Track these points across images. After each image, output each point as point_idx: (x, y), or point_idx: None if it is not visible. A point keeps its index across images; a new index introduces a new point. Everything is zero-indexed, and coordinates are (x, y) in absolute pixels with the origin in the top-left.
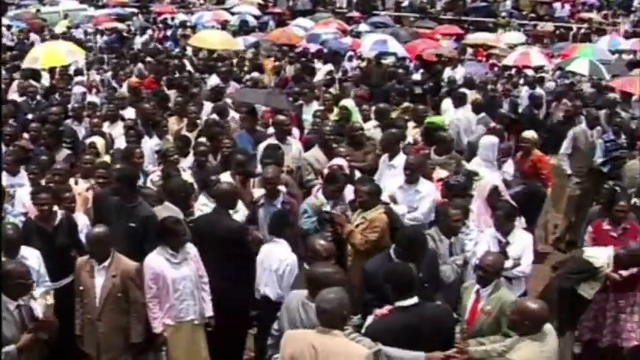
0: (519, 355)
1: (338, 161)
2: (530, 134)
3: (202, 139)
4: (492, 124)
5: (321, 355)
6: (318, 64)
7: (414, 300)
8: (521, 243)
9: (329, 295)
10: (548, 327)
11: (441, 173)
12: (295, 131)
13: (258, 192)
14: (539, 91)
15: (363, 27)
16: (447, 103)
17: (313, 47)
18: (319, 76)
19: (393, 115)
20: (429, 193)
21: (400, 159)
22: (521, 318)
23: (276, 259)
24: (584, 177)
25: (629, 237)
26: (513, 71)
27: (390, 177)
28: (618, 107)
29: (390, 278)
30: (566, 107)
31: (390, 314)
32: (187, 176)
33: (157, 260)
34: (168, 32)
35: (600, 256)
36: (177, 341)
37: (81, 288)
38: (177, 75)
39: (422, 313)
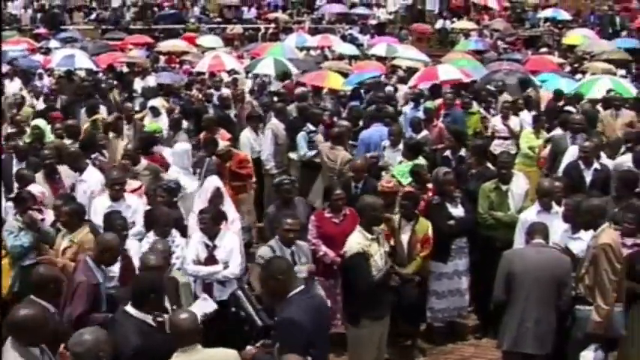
0: None
1: (33, 187)
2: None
3: None
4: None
5: None
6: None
7: None
8: (229, 245)
9: (82, 336)
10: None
11: (133, 184)
12: None
13: None
14: (226, 91)
15: (53, 43)
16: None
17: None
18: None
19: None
20: (138, 206)
21: (89, 173)
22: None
23: None
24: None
25: (350, 222)
26: (206, 75)
27: (82, 192)
28: (310, 100)
29: None
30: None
31: None
32: None
33: None
34: None
35: (348, 242)
36: None
37: None
38: None
39: None
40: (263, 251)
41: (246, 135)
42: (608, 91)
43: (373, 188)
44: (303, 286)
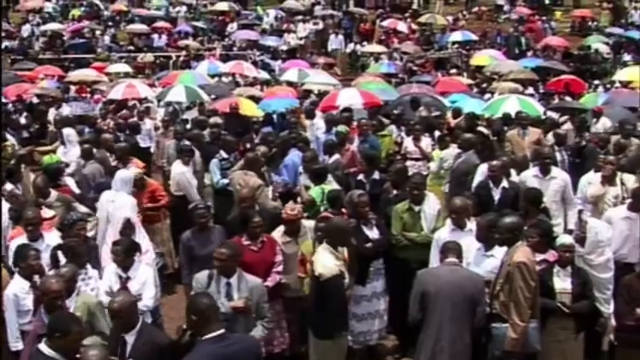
0: None
1: None
2: (134, 172)
3: None
4: None
5: None
6: None
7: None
8: (142, 277)
9: None
10: None
11: (47, 213)
12: None
13: None
14: (149, 122)
15: None
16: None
17: None
18: None
19: None
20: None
21: None
22: None
23: None
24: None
25: (268, 249)
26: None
27: None
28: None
29: None
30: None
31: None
32: None
33: None
34: None
35: (324, 264)
36: None
37: None
38: None
39: None
40: (199, 276)
41: (179, 170)
42: (518, 112)
43: (269, 216)
44: (222, 331)
